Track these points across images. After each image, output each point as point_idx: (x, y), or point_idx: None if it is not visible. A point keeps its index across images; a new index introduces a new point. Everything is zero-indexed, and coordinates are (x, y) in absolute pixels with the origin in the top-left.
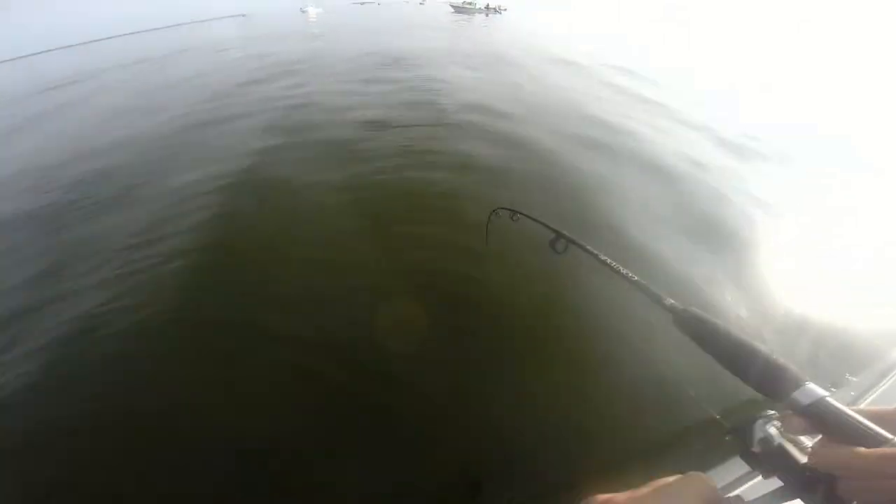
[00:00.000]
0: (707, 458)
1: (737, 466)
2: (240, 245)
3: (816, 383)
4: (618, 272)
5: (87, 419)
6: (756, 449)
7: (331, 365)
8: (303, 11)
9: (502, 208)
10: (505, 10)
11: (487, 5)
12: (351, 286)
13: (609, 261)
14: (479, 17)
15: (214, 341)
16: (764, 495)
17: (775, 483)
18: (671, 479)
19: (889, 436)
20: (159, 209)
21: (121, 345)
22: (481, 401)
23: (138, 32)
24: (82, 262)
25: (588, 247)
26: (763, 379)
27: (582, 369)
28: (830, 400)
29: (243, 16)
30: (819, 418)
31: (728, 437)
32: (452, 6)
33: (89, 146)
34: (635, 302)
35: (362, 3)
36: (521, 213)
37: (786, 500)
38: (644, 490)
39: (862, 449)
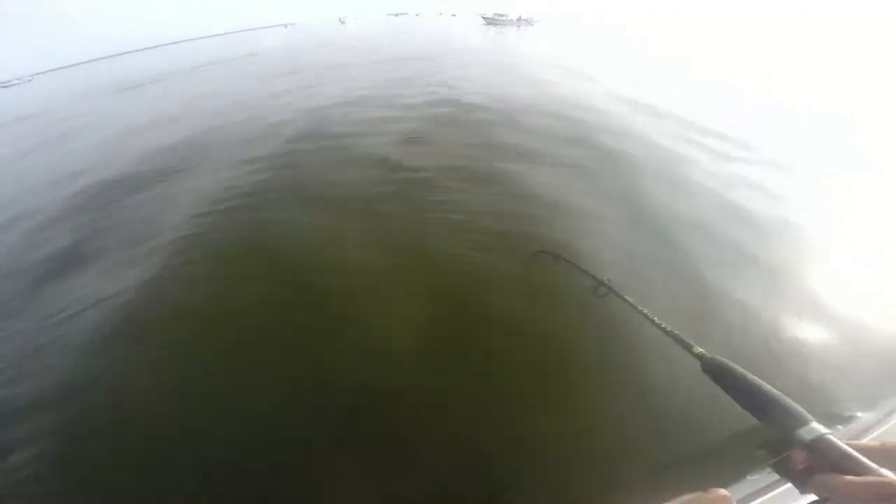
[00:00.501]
0: (726, 474)
1: (751, 483)
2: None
3: (819, 422)
4: (653, 322)
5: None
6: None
7: (348, 375)
8: (341, 23)
9: (542, 251)
10: (538, 21)
11: (519, 17)
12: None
13: (646, 311)
14: (512, 31)
15: (217, 336)
16: None
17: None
18: (693, 495)
19: (874, 466)
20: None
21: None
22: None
23: (205, 37)
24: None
25: (627, 297)
26: (774, 418)
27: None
28: (829, 437)
29: (286, 26)
30: (819, 453)
31: (766, 457)
32: (484, 18)
33: None
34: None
35: (397, 15)
36: (564, 259)
37: None
38: None
39: (848, 477)
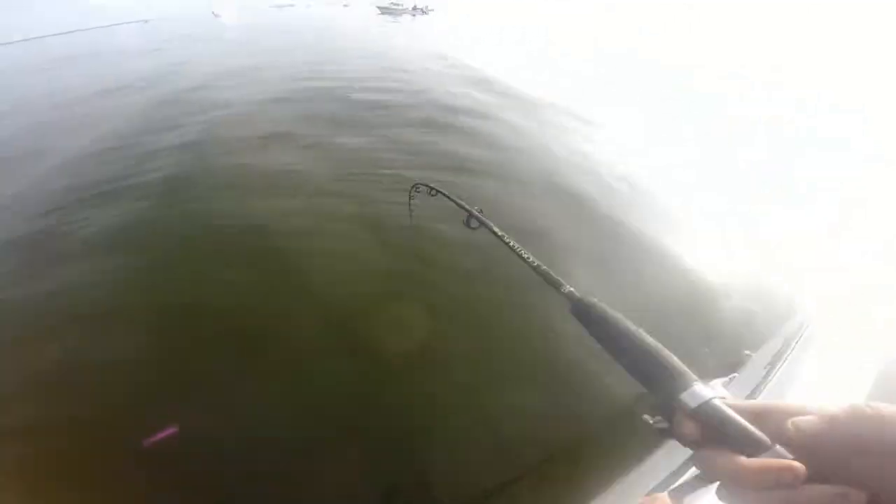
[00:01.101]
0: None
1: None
2: None
3: (705, 382)
4: (521, 256)
5: None
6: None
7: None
8: (216, 16)
9: (421, 184)
10: (432, 10)
11: (415, 6)
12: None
13: (514, 244)
14: (406, 19)
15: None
16: (688, 480)
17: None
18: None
19: (769, 442)
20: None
21: None
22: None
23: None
24: None
25: (495, 229)
26: (652, 377)
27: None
28: (716, 402)
29: (145, 21)
30: (706, 422)
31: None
32: (379, 7)
33: None
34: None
35: (280, 7)
36: (439, 192)
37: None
38: None
39: (742, 459)
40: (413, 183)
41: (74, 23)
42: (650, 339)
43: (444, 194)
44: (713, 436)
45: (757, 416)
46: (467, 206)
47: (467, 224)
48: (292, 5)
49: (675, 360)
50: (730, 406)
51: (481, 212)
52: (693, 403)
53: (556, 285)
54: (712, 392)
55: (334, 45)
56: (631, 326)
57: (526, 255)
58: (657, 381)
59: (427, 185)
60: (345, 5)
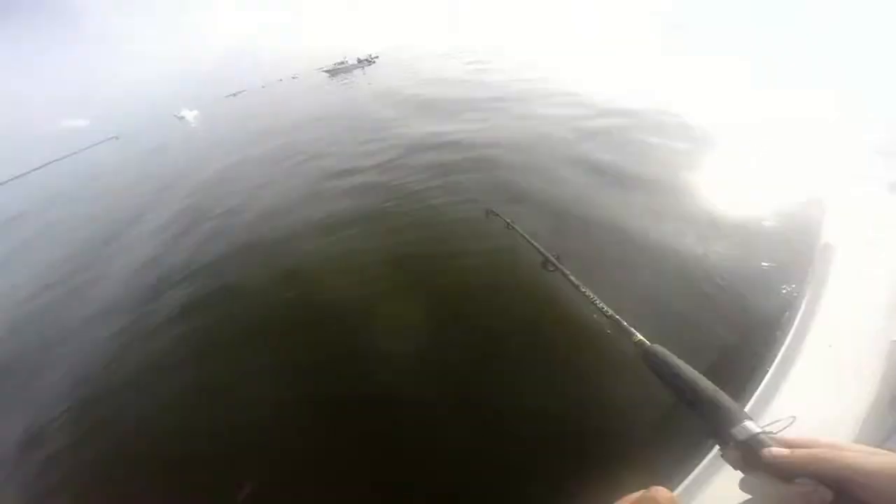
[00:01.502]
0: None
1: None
2: None
3: (753, 420)
4: (596, 305)
5: None
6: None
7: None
8: (179, 118)
9: (495, 213)
10: (376, 57)
11: (358, 59)
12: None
13: (589, 293)
14: (358, 74)
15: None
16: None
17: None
18: (637, 494)
19: (798, 472)
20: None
21: None
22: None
23: None
24: None
25: (572, 277)
26: (709, 414)
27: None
28: (762, 437)
29: (116, 138)
30: (752, 453)
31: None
32: (327, 71)
33: None
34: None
35: (235, 95)
36: (514, 228)
37: None
38: None
39: (778, 482)
40: (487, 209)
41: (50, 152)
42: (707, 381)
43: (519, 232)
44: (756, 465)
45: (788, 444)
46: (544, 251)
47: (543, 267)
48: (244, 91)
49: (728, 398)
50: (771, 439)
51: (558, 258)
52: (741, 436)
53: (627, 334)
54: (759, 429)
55: (323, 121)
56: (690, 371)
57: (600, 305)
58: (713, 417)
59: (503, 218)
60: (293, 77)
